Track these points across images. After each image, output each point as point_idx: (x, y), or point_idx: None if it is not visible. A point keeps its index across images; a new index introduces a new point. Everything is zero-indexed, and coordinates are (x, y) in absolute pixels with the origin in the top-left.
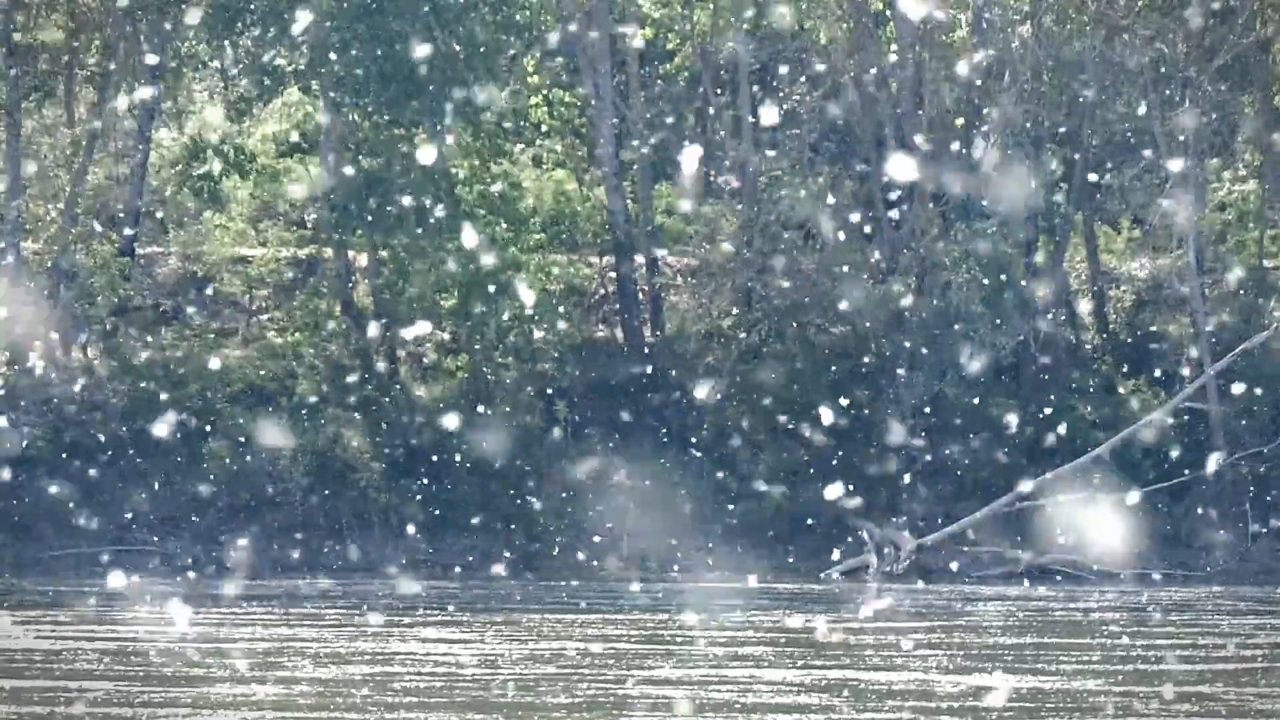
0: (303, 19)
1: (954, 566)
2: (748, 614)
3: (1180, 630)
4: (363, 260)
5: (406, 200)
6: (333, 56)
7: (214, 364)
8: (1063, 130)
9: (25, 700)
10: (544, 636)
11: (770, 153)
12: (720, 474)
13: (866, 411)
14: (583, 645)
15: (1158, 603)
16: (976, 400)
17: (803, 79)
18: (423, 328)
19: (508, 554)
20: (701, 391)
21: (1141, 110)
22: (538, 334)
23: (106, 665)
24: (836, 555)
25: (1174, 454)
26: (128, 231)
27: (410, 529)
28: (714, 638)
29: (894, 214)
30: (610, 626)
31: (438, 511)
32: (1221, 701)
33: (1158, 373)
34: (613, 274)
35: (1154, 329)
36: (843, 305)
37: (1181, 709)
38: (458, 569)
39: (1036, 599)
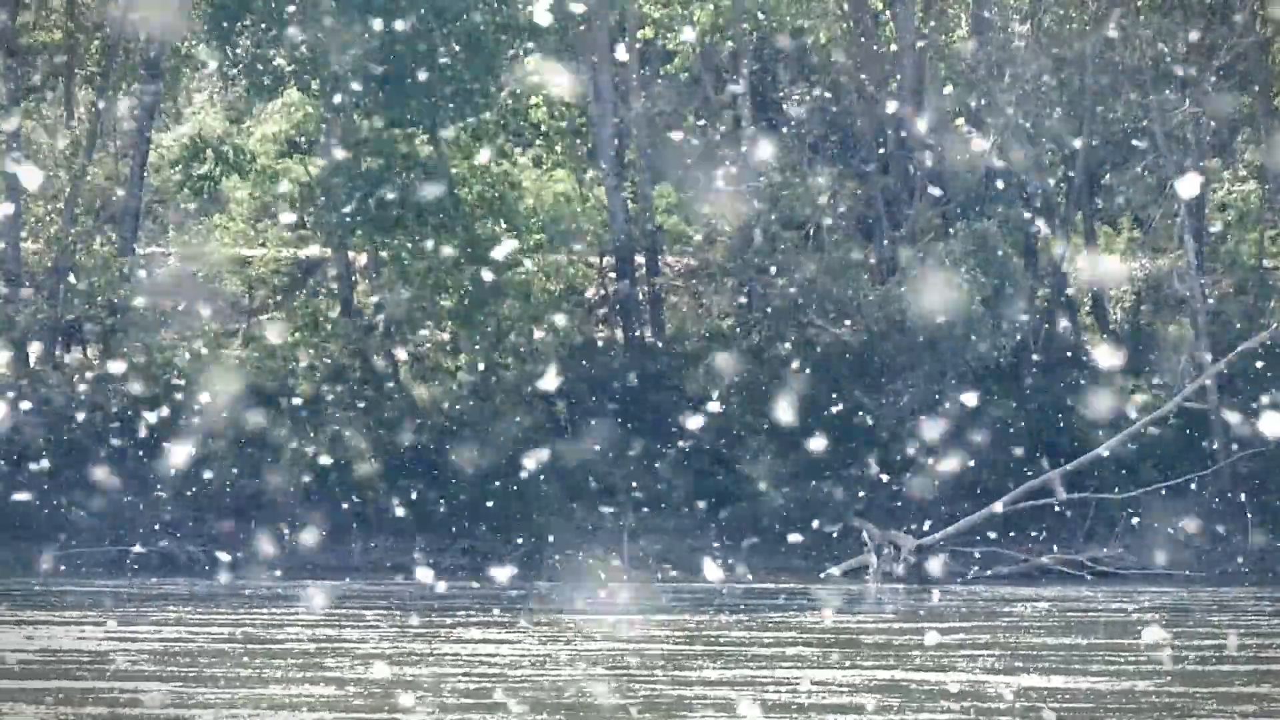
0: (302, 19)
1: (957, 566)
2: (785, 614)
3: (1222, 631)
4: (363, 260)
5: (406, 201)
6: (333, 57)
7: (214, 363)
8: (1063, 130)
9: (80, 702)
10: (588, 637)
11: (770, 152)
12: (720, 474)
13: (867, 411)
14: (628, 646)
15: (1199, 603)
16: (976, 400)
17: (803, 79)
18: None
19: (507, 554)
20: (701, 392)
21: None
22: (538, 334)
23: (158, 667)
24: (837, 556)
25: (1174, 454)
26: (128, 232)
27: (410, 529)
28: (759, 638)
29: (894, 214)
30: (654, 627)
31: (438, 511)
32: None
33: (1158, 373)
34: (613, 274)
35: (1154, 329)
36: (842, 306)
37: (1237, 710)
38: (458, 569)
39: (1071, 599)
